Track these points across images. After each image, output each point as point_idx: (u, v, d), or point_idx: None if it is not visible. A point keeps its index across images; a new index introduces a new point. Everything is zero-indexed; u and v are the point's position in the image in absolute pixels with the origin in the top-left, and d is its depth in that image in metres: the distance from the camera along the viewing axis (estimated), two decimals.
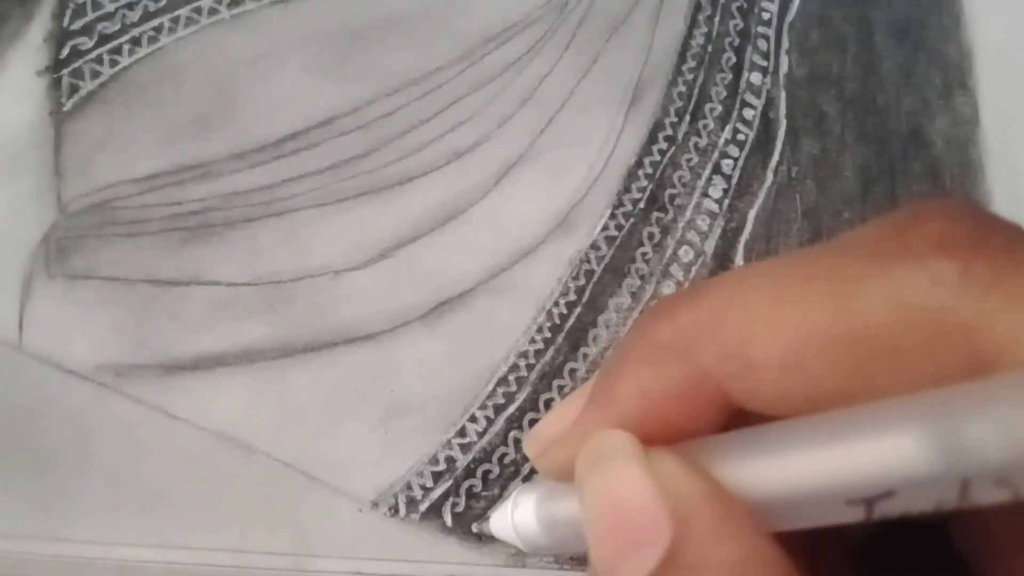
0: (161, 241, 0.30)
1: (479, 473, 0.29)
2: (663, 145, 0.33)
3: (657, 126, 0.33)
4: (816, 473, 0.14)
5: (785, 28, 0.35)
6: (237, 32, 0.32)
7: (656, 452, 0.16)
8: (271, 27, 0.33)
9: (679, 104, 0.34)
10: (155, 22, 0.32)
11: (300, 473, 0.28)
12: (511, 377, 0.30)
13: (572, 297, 0.31)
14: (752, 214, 0.33)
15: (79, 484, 0.27)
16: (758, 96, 0.34)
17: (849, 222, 0.33)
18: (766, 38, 0.35)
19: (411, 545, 0.28)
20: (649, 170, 0.33)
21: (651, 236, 0.32)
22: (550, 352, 0.30)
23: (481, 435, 0.29)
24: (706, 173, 0.33)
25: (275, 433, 0.28)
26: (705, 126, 0.33)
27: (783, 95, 0.34)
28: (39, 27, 0.32)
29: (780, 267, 0.16)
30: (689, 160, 0.33)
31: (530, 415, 0.29)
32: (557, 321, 0.30)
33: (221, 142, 0.31)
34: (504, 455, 0.29)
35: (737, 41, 0.35)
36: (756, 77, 0.34)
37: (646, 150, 0.33)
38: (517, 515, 0.18)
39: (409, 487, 0.28)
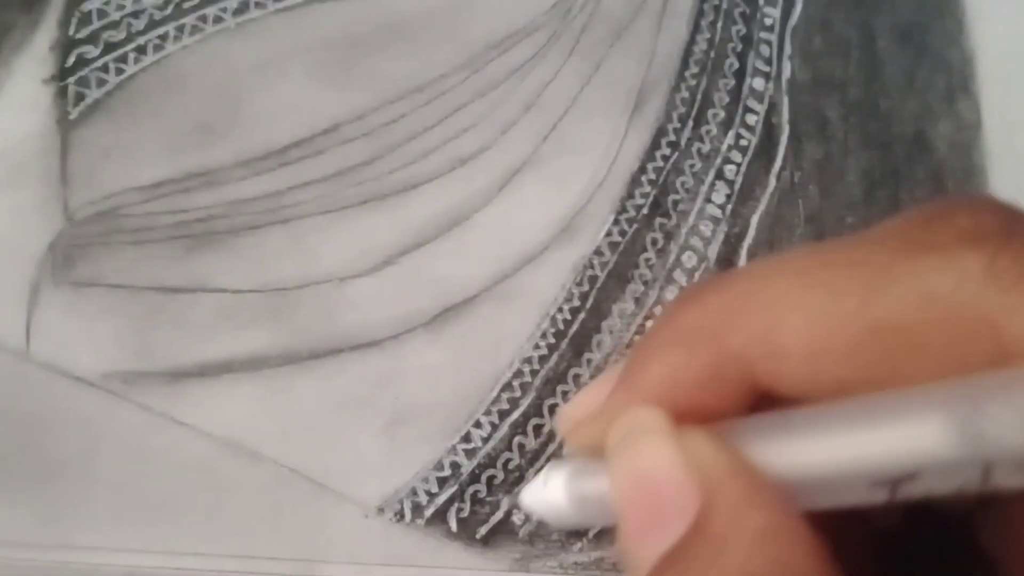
0: (167, 249, 0.30)
1: (484, 479, 0.29)
2: (666, 151, 0.33)
3: (660, 132, 0.33)
4: (842, 453, 0.14)
5: (788, 33, 0.35)
6: (242, 40, 0.33)
7: (685, 429, 0.16)
8: (275, 35, 0.33)
9: (682, 110, 0.34)
10: (160, 30, 0.32)
11: (306, 479, 0.28)
12: (515, 383, 0.30)
13: (576, 303, 0.31)
14: (755, 219, 0.33)
15: (86, 491, 0.27)
16: (761, 101, 0.34)
17: (852, 227, 0.33)
18: (769, 43, 0.35)
19: (416, 550, 0.28)
20: (652, 176, 0.33)
21: (654, 242, 0.32)
22: (554, 358, 0.30)
23: (486, 441, 0.29)
24: (709, 178, 0.33)
25: (281, 440, 0.28)
26: (708, 132, 0.34)
27: (786, 100, 0.34)
28: (45, 36, 0.32)
29: (808, 256, 0.16)
30: (692, 166, 0.33)
31: (534, 420, 0.29)
32: (561, 327, 0.30)
33: (226, 150, 0.31)
34: (509, 461, 0.29)
35: (740, 47, 0.35)
36: (759, 82, 0.34)
37: (649, 156, 0.33)
38: (548, 490, 0.19)
39: (414, 493, 0.28)
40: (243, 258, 0.30)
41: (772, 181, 0.33)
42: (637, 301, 0.31)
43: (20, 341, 0.29)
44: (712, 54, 0.35)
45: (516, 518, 0.29)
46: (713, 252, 0.32)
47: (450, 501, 0.28)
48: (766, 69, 0.35)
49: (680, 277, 0.32)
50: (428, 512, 0.28)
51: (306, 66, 0.32)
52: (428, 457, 0.29)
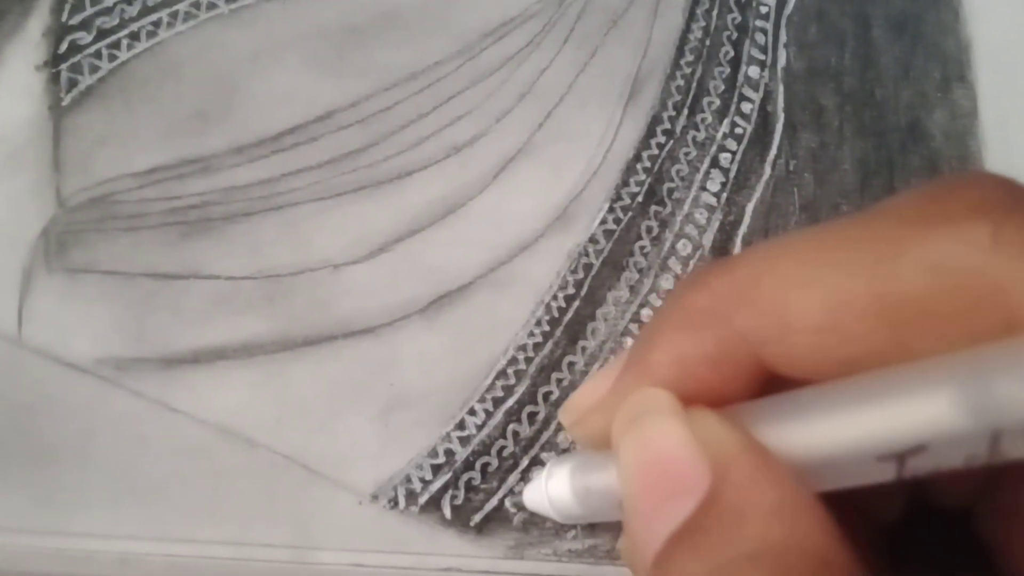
0: (161, 235, 0.30)
1: (478, 466, 0.29)
2: (661, 139, 0.33)
3: (655, 120, 0.33)
4: (850, 429, 0.14)
5: (783, 22, 0.35)
6: (236, 27, 0.32)
7: (694, 409, 0.16)
8: (270, 22, 0.33)
9: (677, 98, 0.34)
10: (153, 17, 0.32)
11: (300, 466, 0.28)
12: (510, 371, 0.30)
13: (571, 291, 0.31)
14: (750, 208, 0.33)
15: (80, 478, 0.27)
16: (756, 90, 0.34)
17: (847, 215, 0.33)
18: (764, 32, 0.35)
19: (410, 537, 0.28)
20: (647, 164, 0.33)
21: (649, 230, 0.32)
22: (548, 345, 0.30)
23: (480, 428, 0.29)
24: (704, 167, 0.33)
25: (275, 426, 0.28)
26: (703, 120, 0.34)
27: (781, 89, 0.34)
28: (37, 22, 0.32)
29: (814, 236, 0.16)
30: (687, 154, 0.33)
31: (529, 408, 0.29)
32: (556, 315, 0.30)
33: (220, 137, 0.31)
34: (503, 448, 0.29)
35: (735, 35, 0.35)
36: (754, 71, 0.34)
37: (644, 144, 0.33)
38: (551, 485, 0.19)
39: (408, 480, 0.28)
40: (238, 245, 0.30)
41: (767, 169, 0.33)
42: (632, 289, 0.31)
43: (12, 327, 0.28)
44: (707, 42, 0.35)
45: (510, 506, 0.29)
46: (708, 240, 0.32)
47: (444, 488, 0.28)
48: (761, 57, 0.35)
49: (675, 265, 0.32)
50: (422, 499, 0.28)
51: (301, 53, 0.32)
52: (422, 444, 0.29)
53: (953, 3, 0.36)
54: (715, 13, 0.35)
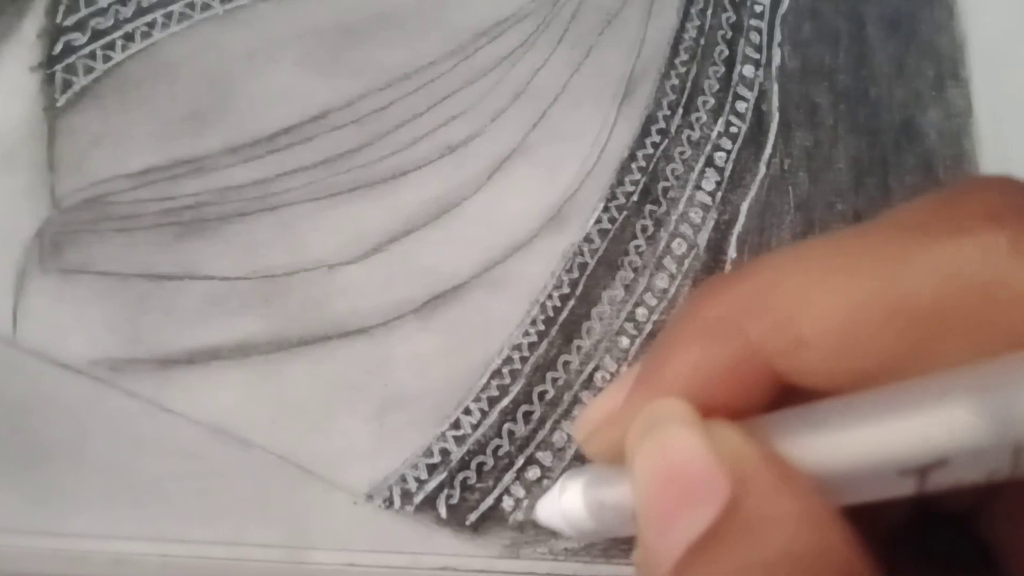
0: (155, 236, 0.30)
1: (473, 465, 0.29)
2: (656, 138, 0.33)
3: (650, 119, 0.33)
4: (870, 444, 0.14)
5: (777, 21, 0.35)
6: (230, 27, 0.32)
7: (710, 420, 0.16)
8: (264, 22, 0.33)
9: (672, 97, 0.34)
10: (148, 17, 0.32)
11: (295, 466, 0.28)
12: (505, 370, 0.30)
13: (566, 290, 0.31)
14: (745, 206, 0.33)
15: (74, 478, 0.27)
16: (751, 89, 0.34)
17: (842, 214, 0.33)
18: (758, 31, 0.35)
19: (406, 537, 0.28)
20: (642, 163, 0.33)
21: (644, 229, 0.32)
22: (544, 345, 0.30)
23: (475, 427, 0.29)
24: (699, 166, 0.33)
25: (270, 426, 0.28)
26: (698, 119, 0.34)
27: (776, 88, 0.34)
28: (32, 23, 0.32)
29: (827, 245, 0.16)
30: (682, 153, 0.33)
31: (524, 407, 0.29)
32: (551, 314, 0.30)
33: (215, 137, 0.31)
34: (498, 447, 0.29)
35: (729, 34, 0.35)
36: (749, 70, 0.34)
37: (639, 143, 0.33)
38: (564, 500, 0.18)
39: (404, 479, 0.28)
40: (232, 245, 0.30)
41: (762, 168, 0.33)
42: (627, 288, 0.31)
43: (7, 328, 0.28)
44: (702, 42, 0.35)
45: (506, 505, 0.29)
46: (703, 239, 0.32)
47: (439, 488, 0.28)
48: (756, 57, 0.35)
49: (670, 264, 0.32)
50: (417, 499, 0.28)
51: (295, 53, 0.32)
52: (417, 444, 0.29)
53: (947, 1, 0.36)
54: (710, 12, 0.35)
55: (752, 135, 0.34)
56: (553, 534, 0.28)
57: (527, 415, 0.29)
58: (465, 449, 0.29)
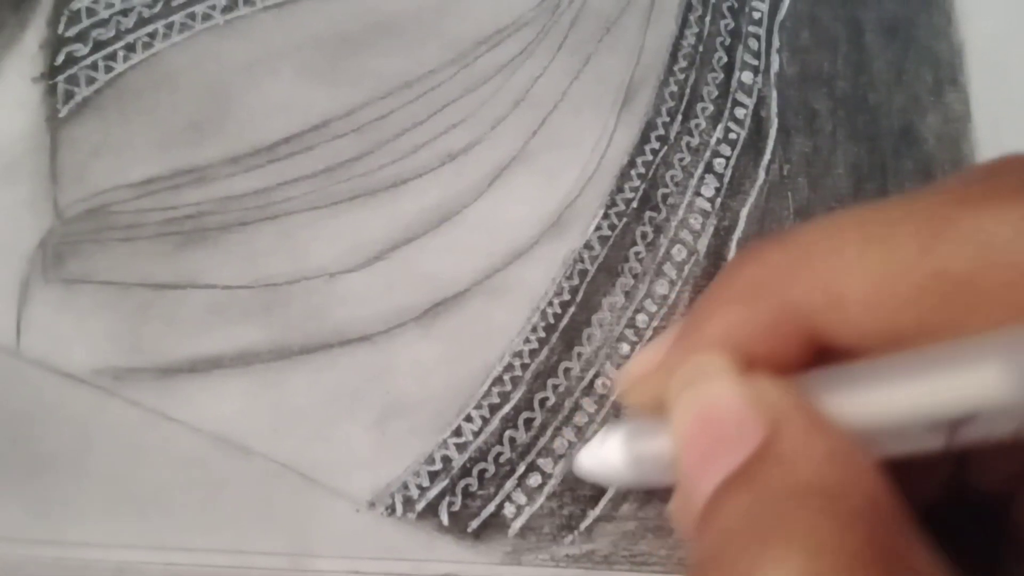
0: (157, 245, 0.30)
1: (475, 472, 0.29)
2: (655, 145, 0.33)
3: (649, 126, 0.33)
4: (903, 398, 0.15)
5: (776, 27, 0.35)
6: (231, 38, 0.33)
7: (749, 373, 0.16)
8: (265, 33, 0.33)
9: (671, 104, 0.34)
10: (149, 28, 0.32)
11: (297, 474, 0.28)
12: (506, 377, 0.30)
13: (566, 297, 0.31)
14: (744, 212, 0.33)
15: (77, 487, 0.27)
16: (749, 95, 0.34)
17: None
18: (757, 37, 0.35)
19: (408, 544, 0.28)
20: (642, 170, 0.33)
21: (644, 235, 0.32)
22: (544, 351, 0.30)
23: (477, 435, 0.29)
24: (698, 172, 0.33)
25: (272, 435, 0.28)
26: (697, 125, 0.34)
27: (774, 94, 0.34)
28: (34, 34, 0.32)
29: (867, 213, 0.17)
30: (681, 159, 0.33)
31: (525, 414, 0.30)
32: (551, 321, 0.31)
33: (216, 147, 0.31)
34: (500, 454, 0.29)
35: (728, 41, 0.35)
36: (747, 76, 0.35)
37: (638, 150, 0.33)
38: (604, 451, 0.19)
39: (406, 487, 0.28)
40: (233, 254, 0.30)
41: (761, 174, 0.33)
42: (627, 295, 0.31)
43: (10, 338, 0.29)
44: (700, 48, 0.35)
45: (507, 511, 0.29)
46: (703, 245, 0.32)
47: (441, 495, 0.28)
48: (754, 63, 0.35)
49: (670, 271, 0.32)
50: (419, 506, 0.28)
51: (295, 63, 0.33)
52: (419, 451, 0.29)
53: (945, 7, 0.36)
54: (708, 19, 0.35)
55: (751, 141, 0.34)
56: (554, 540, 0.28)
57: (528, 422, 0.29)
58: (467, 456, 0.29)
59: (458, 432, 0.29)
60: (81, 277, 0.30)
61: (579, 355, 0.30)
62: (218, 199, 0.31)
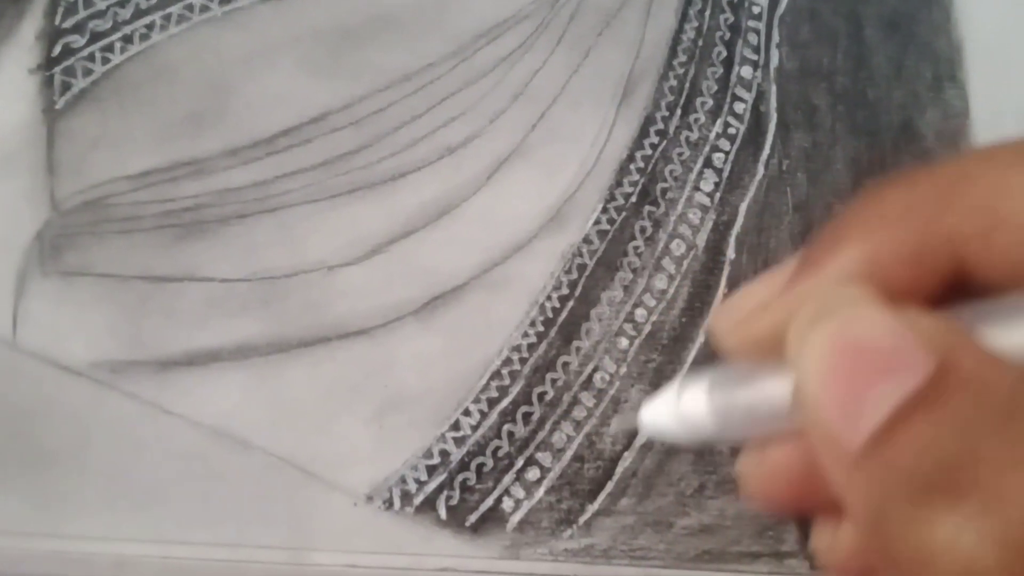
0: (155, 238, 0.30)
1: (473, 466, 0.29)
2: (654, 139, 0.33)
3: (648, 120, 0.33)
4: None
5: (775, 22, 0.35)
6: (229, 30, 0.32)
7: (897, 304, 0.14)
8: (263, 24, 0.33)
9: (670, 98, 0.34)
10: (147, 19, 0.32)
11: (295, 468, 0.28)
12: (504, 371, 0.30)
13: (565, 291, 0.31)
14: (743, 207, 0.33)
15: (76, 481, 0.27)
16: (749, 90, 0.34)
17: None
18: (756, 32, 0.35)
19: (406, 538, 0.28)
20: (640, 164, 0.33)
21: (643, 230, 0.32)
22: (543, 346, 0.30)
23: (475, 429, 0.29)
24: (697, 167, 0.33)
25: (270, 428, 0.28)
26: (696, 120, 0.34)
27: (774, 89, 0.34)
28: (31, 25, 0.32)
29: (1021, 144, 0.15)
30: (680, 154, 0.33)
31: (523, 408, 0.30)
32: (550, 315, 0.31)
33: (214, 139, 0.31)
34: (498, 448, 0.29)
35: (728, 35, 0.35)
36: (747, 71, 0.34)
37: (637, 144, 0.33)
38: (684, 401, 0.17)
39: (403, 481, 0.28)
40: (232, 247, 0.30)
41: (760, 169, 0.33)
42: (626, 289, 0.31)
43: (7, 331, 0.28)
44: (700, 43, 0.35)
45: (506, 506, 0.29)
46: (701, 240, 0.32)
47: (439, 489, 0.28)
48: (754, 58, 0.35)
49: (668, 265, 0.32)
50: (417, 500, 0.28)
51: (294, 55, 0.32)
52: (417, 445, 0.29)
53: (945, 3, 0.36)
54: (708, 14, 0.35)
55: (750, 136, 0.34)
56: (552, 534, 0.28)
57: (526, 416, 0.29)
58: (465, 450, 0.29)
59: (456, 426, 0.29)
60: (78, 270, 0.29)
61: (577, 349, 0.30)
62: (216, 192, 0.31)
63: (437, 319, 0.30)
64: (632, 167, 0.33)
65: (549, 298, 0.31)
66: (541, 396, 0.30)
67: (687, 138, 0.33)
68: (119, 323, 0.29)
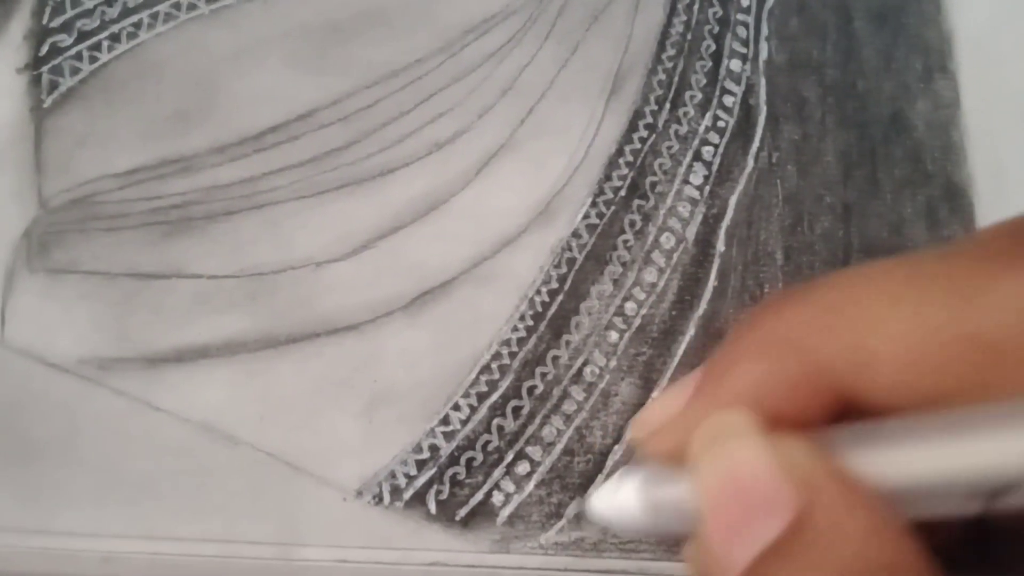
0: (142, 235, 0.30)
1: (463, 461, 0.29)
2: (643, 133, 0.33)
3: (637, 114, 0.33)
4: (938, 464, 0.14)
5: (764, 15, 0.35)
6: (216, 27, 0.33)
7: (777, 433, 0.16)
8: (250, 22, 0.33)
9: (659, 92, 0.34)
10: (134, 18, 0.32)
11: (284, 463, 0.28)
12: (494, 365, 0.30)
13: (554, 285, 0.31)
14: (733, 200, 0.33)
15: (64, 476, 0.27)
16: (738, 83, 0.34)
17: (831, 207, 0.33)
18: (745, 25, 0.35)
19: (396, 533, 0.28)
20: (630, 158, 0.33)
21: (632, 224, 0.32)
22: (532, 340, 0.30)
23: (464, 423, 0.29)
24: (687, 160, 0.33)
25: (259, 424, 0.28)
26: (685, 113, 0.34)
27: (763, 82, 0.34)
28: (18, 25, 0.32)
29: (895, 267, 0.16)
30: (670, 148, 0.33)
31: (513, 402, 0.30)
32: (539, 309, 0.31)
33: (201, 136, 0.31)
34: (487, 443, 0.29)
35: (716, 28, 0.35)
36: (736, 64, 0.34)
37: (627, 138, 0.33)
38: (620, 497, 0.19)
39: (393, 475, 0.28)
40: (219, 244, 0.30)
41: (750, 162, 0.33)
42: (615, 283, 0.31)
43: None
44: (689, 36, 0.35)
45: (495, 500, 0.29)
46: (691, 233, 0.32)
47: (429, 483, 0.28)
48: (743, 51, 0.35)
49: (658, 258, 0.32)
50: (407, 494, 0.28)
51: (282, 52, 0.32)
52: (407, 440, 0.29)
53: None
54: (696, 7, 0.35)
55: (740, 129, 0.34)
56: (542, 528, 0.28)
57: (516, 410, 0.29)
58: (454, 445, 0.29)
59: (446, 421, 0.29)
60: (66, 267, 0.29)
61: (567, 343, 0.30)
62: (204, 189, 0.31)
63: (426, 314, 0.30)
64: (621, 161, 0.33)
65: (538, 292, 0.31)
66: (531, 390, 0.30)
67: (676, 132, 0.33)
68: (107, 320, 0.29)
